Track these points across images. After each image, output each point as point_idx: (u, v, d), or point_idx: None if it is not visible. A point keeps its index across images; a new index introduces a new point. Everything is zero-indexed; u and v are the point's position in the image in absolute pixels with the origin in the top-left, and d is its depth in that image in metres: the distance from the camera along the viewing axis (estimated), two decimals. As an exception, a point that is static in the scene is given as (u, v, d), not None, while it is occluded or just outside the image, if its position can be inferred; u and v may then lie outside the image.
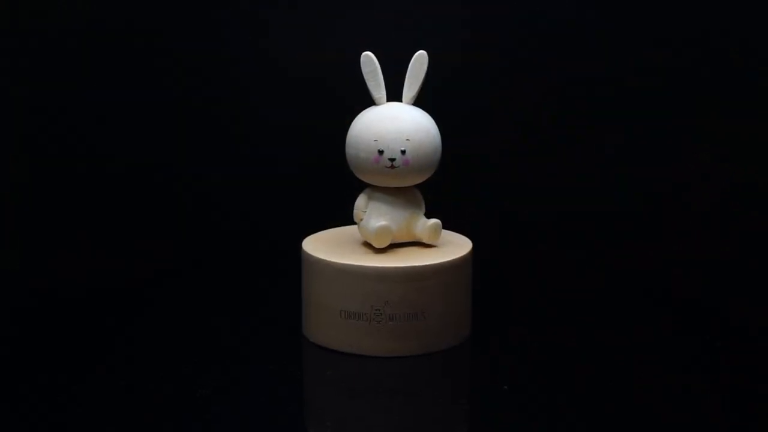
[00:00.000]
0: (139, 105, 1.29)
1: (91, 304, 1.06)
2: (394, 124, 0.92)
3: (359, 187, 0.97)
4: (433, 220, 0.97)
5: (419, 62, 0.95)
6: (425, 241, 0.97)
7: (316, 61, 1.29)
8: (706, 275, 1.17)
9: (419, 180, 0.95)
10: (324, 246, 0.97)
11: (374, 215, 0.95)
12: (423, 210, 0.97)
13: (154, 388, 0.84)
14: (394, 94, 0.96)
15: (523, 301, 1.09)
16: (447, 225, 1.00)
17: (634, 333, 1.00)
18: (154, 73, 1.30)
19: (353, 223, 0.98)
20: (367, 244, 0.97)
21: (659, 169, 1.30)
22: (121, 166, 1.29)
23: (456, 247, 0.97)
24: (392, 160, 0.91)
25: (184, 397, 0.83)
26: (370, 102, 0.96)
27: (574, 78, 1.30)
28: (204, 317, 1.03)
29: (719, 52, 1.29)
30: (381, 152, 0.91)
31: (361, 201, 0.96)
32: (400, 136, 0.92)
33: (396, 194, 0.95)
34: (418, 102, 0.96)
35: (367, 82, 0.94)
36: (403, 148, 0.92)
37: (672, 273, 1.18)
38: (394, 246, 0.96)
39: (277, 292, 1.10)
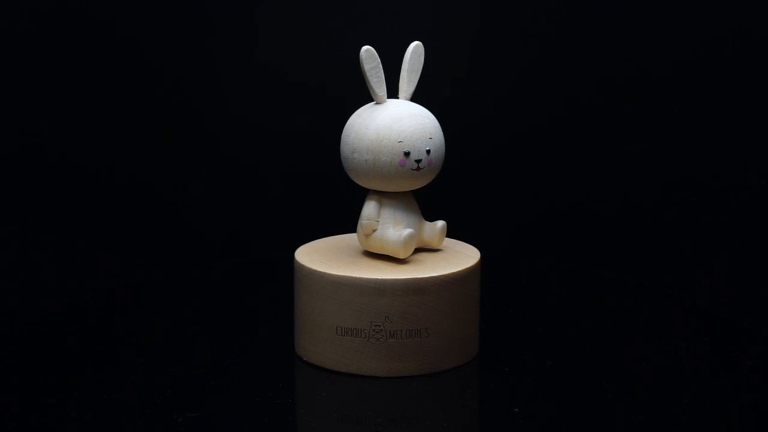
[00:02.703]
0: (130, 113, 1.23)
1: (81, 317, 1.01)
2: (417, 122, 0.84)
3: (360, 191, 0.87)
4: (442, 222, 0.88)
5: (417, 54, 0.87)
6: (435, 245, 0.88)
7: (311, 67, 1.25)
8: (722, 282, 1.13)
9: (431, 180, 0.87)
10: (318, 256, 0.87)
11: (391, 223, 0.85)
12: None
13: (137, 412, 0.77)
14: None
15: (532, 311, 1.02)
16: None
17: (648, 342, 0.93)
18: (145, 81, 1.24)
19: (349, 231, 0.90)
20: (367, 254, 0.87)
21: (666, 170, 1.24)
22: (112, 176, 1.23)
23: (462, 257, 0.87)
24: (419, 161, 0.83)
25: (166, 420, 0.75)
26: (364, 104, 0.87)
27: (577, 78, 1.26)
28: (193, 331, 0.96)
29: (722, 49, 1.21)
30: (407, 154, 0.82)
31: (372, 210, 0.86)
32: (425, 135, 0.84)
33: (404, 199, 0.86)
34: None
35: (369, 78, 0.84)
36: (428, 148, 0.83)
37: (685, 278, 1.14)
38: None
39: (269, 306, 1.02)
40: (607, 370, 0.86)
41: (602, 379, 0.84)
